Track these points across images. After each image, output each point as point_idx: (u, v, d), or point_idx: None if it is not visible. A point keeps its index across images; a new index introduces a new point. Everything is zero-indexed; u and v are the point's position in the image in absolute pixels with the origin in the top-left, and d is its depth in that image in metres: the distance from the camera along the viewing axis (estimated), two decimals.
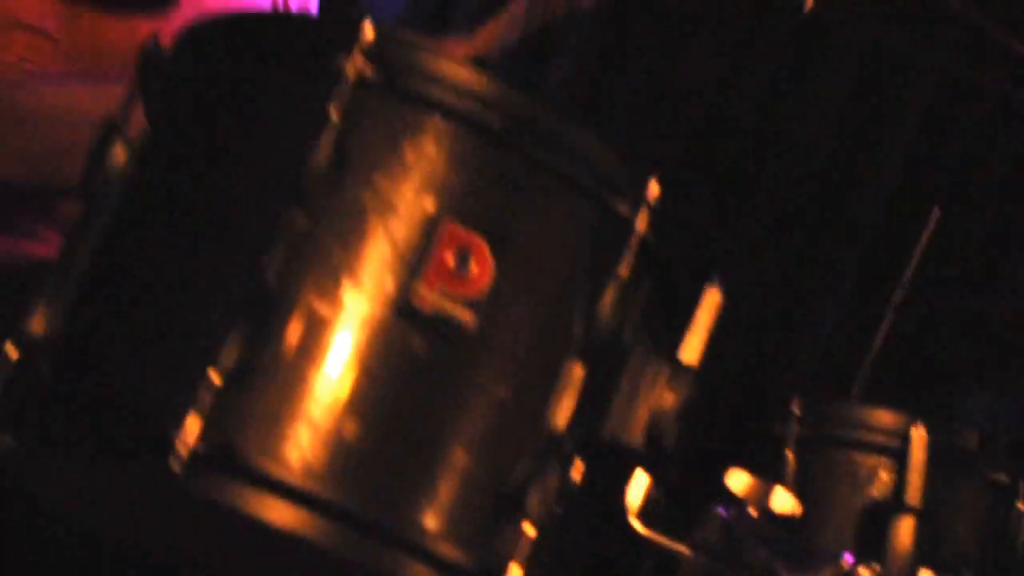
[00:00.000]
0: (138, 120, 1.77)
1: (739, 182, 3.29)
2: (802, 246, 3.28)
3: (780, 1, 2.65)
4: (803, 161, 3.31)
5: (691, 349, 1.82)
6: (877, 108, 3.32)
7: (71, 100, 2.28)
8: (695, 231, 3.13)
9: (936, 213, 2.75)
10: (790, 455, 2.41)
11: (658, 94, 3.27)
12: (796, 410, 2.44)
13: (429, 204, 1.65)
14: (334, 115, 1.63)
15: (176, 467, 1.54)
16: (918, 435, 2.35)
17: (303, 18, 1.89)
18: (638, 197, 1.74)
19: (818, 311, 3.28)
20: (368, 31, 1.66)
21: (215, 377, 1.56)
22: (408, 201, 1.64)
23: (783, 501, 1.90)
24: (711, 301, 1.86)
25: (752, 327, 3.20)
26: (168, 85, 1.78)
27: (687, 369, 1.79)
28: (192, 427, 1.55)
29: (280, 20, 1.83)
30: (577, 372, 1.68)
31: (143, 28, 1.87)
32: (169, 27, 1.82)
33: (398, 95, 1.66)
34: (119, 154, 1.74)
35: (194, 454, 1.55)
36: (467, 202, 1.66)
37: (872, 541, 2.31)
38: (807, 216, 3.29)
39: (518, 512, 1.63)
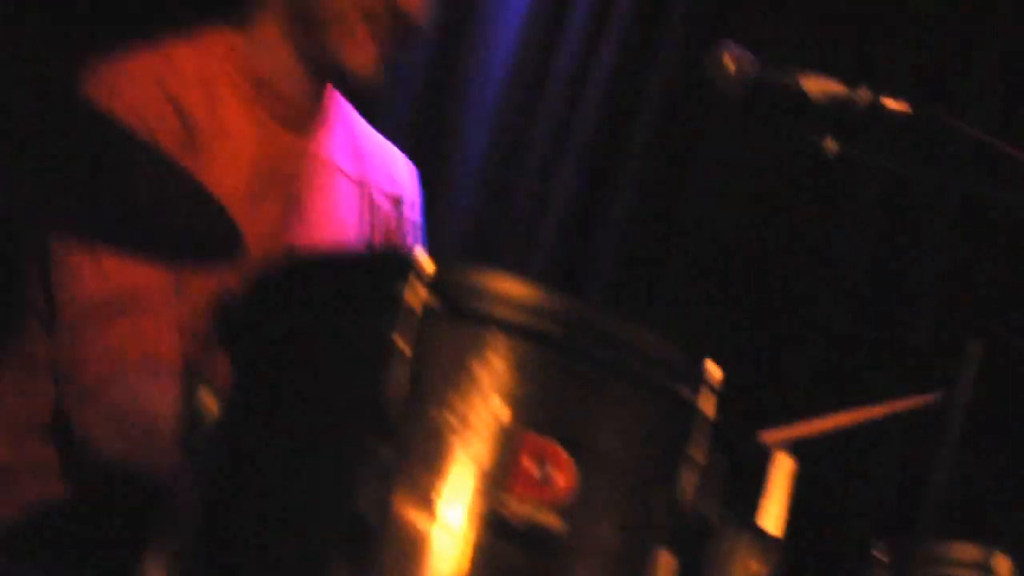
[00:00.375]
0: (223, 368, 1.88)
1: (784, 332, 3.36)
2: (849, 390, 3.33)
3: (806, 147, 2.73)
4: (841, 302, 3.37)
5: (772, 518, 1.89)
6: (907, 239, 3.39)
7: (162, 398, 2.40)
8: (753, 392, 3.19)
9: (977, 346, 2.80)
10: None
11: (691, 245, 3.36)
12: (880, 555, 2.47)
13: (505, 417, 1.73)
14: (403, 346, 1.71)
15: None
16: (1003, 565, 2.39)
17: (362, 255, 2.00)
18: (698, 380, 1.81)
19: (871, 458, 3.32)
20: (425, 261, 1.75)
21: None
22: (484, 417, 1.72)
23: None
24: (784, 467, 1.92)
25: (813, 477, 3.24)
26: (245, 331, 1.88)
27: (772, 540, 1.85)
28: None
29: (341, 259, 1.92)
30: (666, 561, 1.75)
31: (223, 276, 2.00)
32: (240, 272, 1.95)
33: (461, 318, 1.75)
34: (209, 403, 1.83)
35: None
36: (541, 410, 1.75)
37: None
38: (848, 360, 3.34)
39: None
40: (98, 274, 2.50)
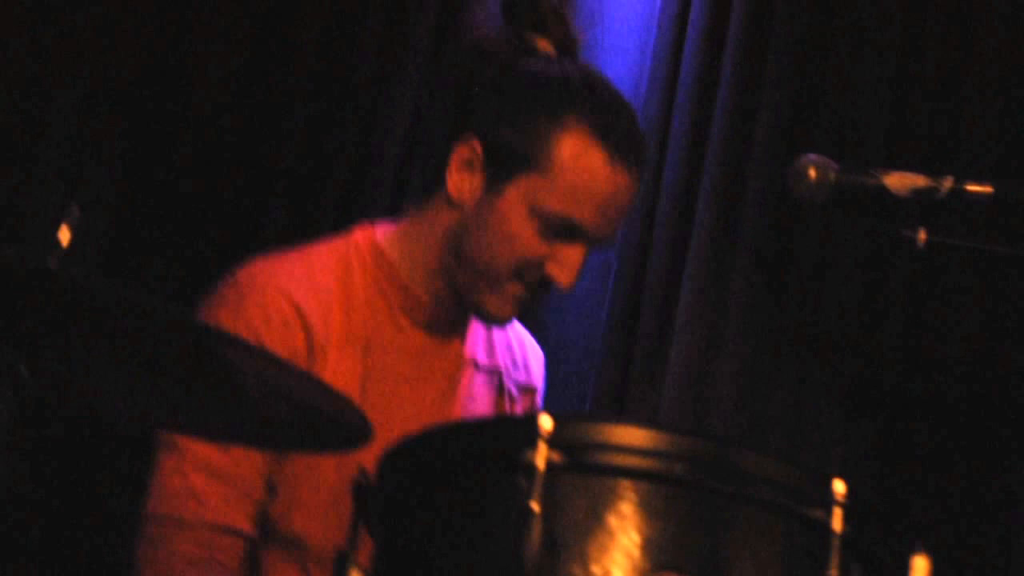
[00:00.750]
0: (366, 545, 1.94)
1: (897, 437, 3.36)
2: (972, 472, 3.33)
3: (898, 243, 2.76)
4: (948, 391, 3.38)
5: None
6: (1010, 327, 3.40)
7: None
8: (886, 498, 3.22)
9: None
10: None
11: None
12: None
13: (642, 563, 1.78)
14: (535, 506, 1.77)
15: None
16: None
17: (486, 421, 2.06)
18: (827, 500, 1.85)
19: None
20: (545, 422, 1.81)
21: None
22: (623, 566, 1.77)
23: None
24: (921, 569, 1.95)
25: None
26: (383, 507, 1.95)
27: None
28: None
29: (466, 428, 1.99)
30: None
31: (349, 460, 2.07)
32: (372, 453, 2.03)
33: (586, 471, 1.81)
34: None
35: None
36: (676, 551, 1.80)
37: None
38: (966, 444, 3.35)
39: None
40: (188, 494, 2.58)
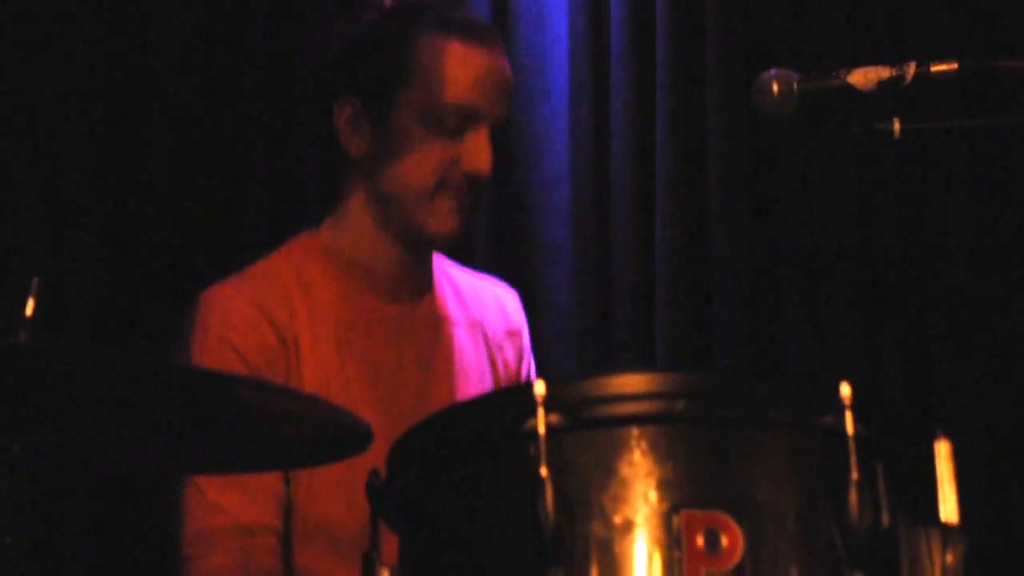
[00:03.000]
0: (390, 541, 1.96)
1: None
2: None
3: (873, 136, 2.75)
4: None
5: (948, 506, 1.91)
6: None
7: None
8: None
9: None
10: None
11: None
12: None
13: (661, 504, 1.78)
14: (544, 472, 1.77)
15: None
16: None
17: (481, 400, 2.06)
18: (836, 405, 1.84)
19: None
20: (540, 387, 1.81)
21: None
22: (642, 512, 1.78)
23: None
24: (944, 453, 1.94)
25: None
26: (398, 501, 1.96)
27: (953, 529, 1.88)
28: None
29: (462, 410, 1.99)
30: None
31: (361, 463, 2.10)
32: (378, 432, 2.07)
33: (589, 427, 1.82)
34: None
35: None
36: (692, 487, 1.80)
37: None
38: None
39: None
40: (207, 507, 2.64)
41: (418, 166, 2.78)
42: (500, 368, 2.96)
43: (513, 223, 3.47)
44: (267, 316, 2.74)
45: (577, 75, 3.49)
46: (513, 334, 3.03)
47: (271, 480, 2.67)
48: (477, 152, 2.78)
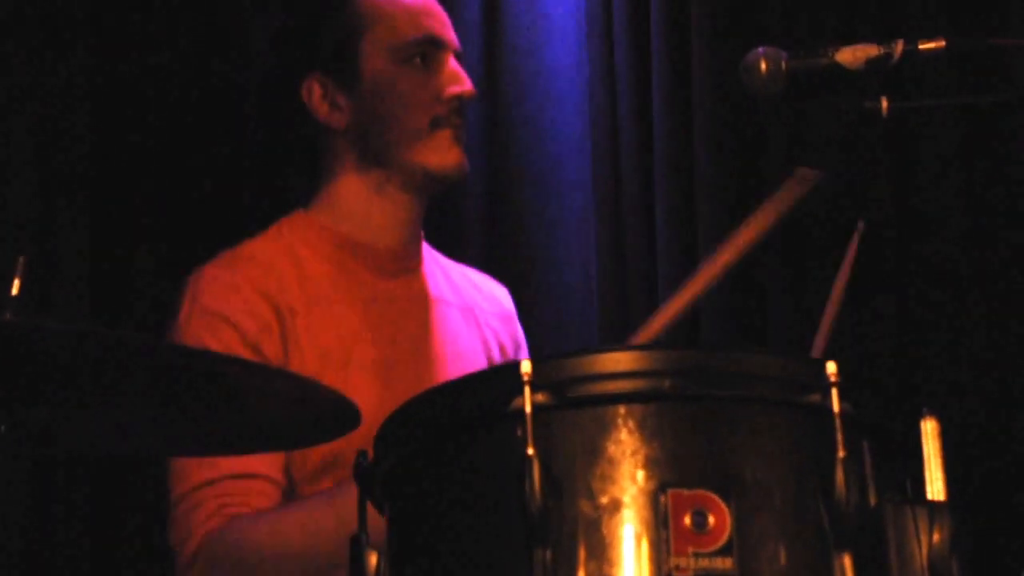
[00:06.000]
0: (375, 522, 1.95)
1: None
2: None
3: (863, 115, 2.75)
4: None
5: (935, 484, 1.91)
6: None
7: (283, 539, 2.57)
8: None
9: None
10: None
11: None
12: None
13: (648, 484, 1.78)
14: (531, 451, 1.77)
15: None
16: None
17: (466, 379, 2.06)
18: (822, 383, 1.84)
19: None
20: (525, 365, 1.81)
21: None
22: (629, 492, 1.78)
23: None
24: (931, 431, 1.94)
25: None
26: (385, 484, 1.96)
27: (941, 506, 1.88)
28: None
29: (447, 390, 1.97)
30: (846, 562, 1.78)
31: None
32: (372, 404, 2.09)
33: (575, 406, 1.81)
34: (373, 561, 1.91)
35: None
36: (679, 465, 1.79)
37: None
38: None
39: None
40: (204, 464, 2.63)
41: (405, 105, 2.82)
42: (495, 349, 2.97)
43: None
44: (260, 289, 2.74)
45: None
46: (506, 320, 3.04)
47: None
48: (455, 75, 2.84)
